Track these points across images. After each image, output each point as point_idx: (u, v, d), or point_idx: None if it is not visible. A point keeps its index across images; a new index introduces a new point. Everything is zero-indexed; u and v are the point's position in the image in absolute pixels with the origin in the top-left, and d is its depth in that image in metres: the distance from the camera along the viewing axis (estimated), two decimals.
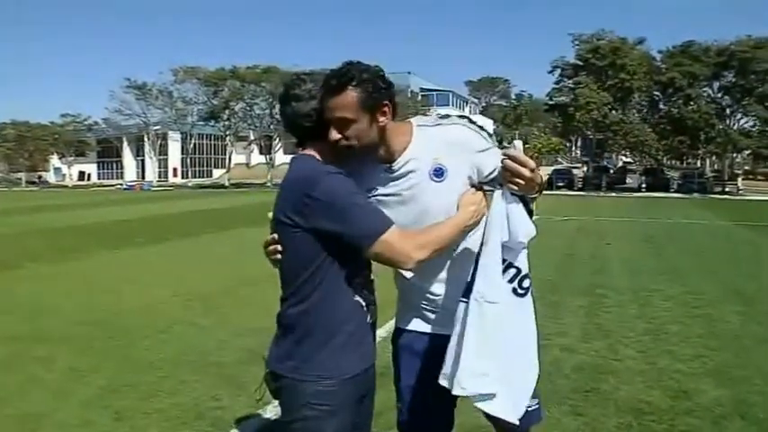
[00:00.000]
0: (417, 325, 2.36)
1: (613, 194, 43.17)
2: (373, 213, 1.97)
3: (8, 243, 14.65)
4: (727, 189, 46.01)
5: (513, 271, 2.04)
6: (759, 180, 57.38)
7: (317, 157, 2.06)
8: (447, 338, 2.09)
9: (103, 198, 39.26)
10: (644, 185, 47.59)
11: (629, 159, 56.16)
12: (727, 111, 52.49)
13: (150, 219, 22.13)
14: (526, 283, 2.06)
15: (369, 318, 2.13)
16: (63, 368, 5.20)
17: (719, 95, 52.63)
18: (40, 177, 71.90)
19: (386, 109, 2.04)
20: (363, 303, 2.09)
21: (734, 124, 52.95)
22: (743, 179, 51.07)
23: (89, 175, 79.30)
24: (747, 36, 49.49)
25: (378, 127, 2.04)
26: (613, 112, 52.01)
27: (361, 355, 2.12)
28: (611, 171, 57.84)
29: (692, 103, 51.35)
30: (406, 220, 2.07)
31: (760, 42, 48.33)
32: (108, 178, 77.17)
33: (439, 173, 2.11)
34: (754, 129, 52.61)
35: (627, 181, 53.21)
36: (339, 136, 2.01)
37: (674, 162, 67.23)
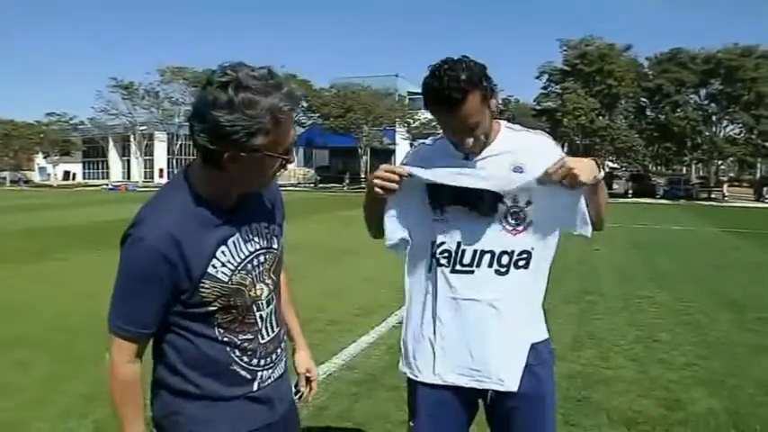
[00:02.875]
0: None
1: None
2: (126, 312, 1.61)
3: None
4: (712, 195, 46.24)
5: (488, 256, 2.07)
6: (744, 187, 57.72)
7: (195, 187, 1.63)
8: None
9: (88, 198, 38.85)
10: (630, 191, 47.71)
11: (615, 165, 56.29)
12: (714, 118, 52.84)
13: None
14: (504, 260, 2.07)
15: None
16: (41, 374, 5.03)
17: (706, 103, 52.99)
18: (25, 180, 71.10)
19: (495, 94, 2.01)
20: None
21: (720, 131, 53.31)
22: (728, 186, 51.32)
23: (74, 174, 78.68)
24: (734, 44, 49.88)
25: (491, 113, 2.02)
26: (600, 117, 52.20)
27: None
28: None
29: (678, 109, 51.69)
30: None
31: (747, 50, 48.70)
32: (93, 178, 76.57)
33: (519, 171, 2.07)
34: (739, 136, 52.98)
35: (613, 186, 53.36)
36: (473, 140, 1.99)
37: (660, 168, 67.54)
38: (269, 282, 1.77)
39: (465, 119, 1.93)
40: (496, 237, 2.05)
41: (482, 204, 2.02)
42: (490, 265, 2.07)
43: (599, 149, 53.44)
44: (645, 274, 10.65)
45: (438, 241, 2.10)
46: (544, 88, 55.85)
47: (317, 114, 57.13)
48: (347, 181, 53.93)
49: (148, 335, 1.66)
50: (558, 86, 53.87)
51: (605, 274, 10.47)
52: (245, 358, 1.73)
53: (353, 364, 5.36)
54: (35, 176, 76.22)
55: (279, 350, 1.85)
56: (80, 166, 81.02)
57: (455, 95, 1.89)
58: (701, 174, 61.30)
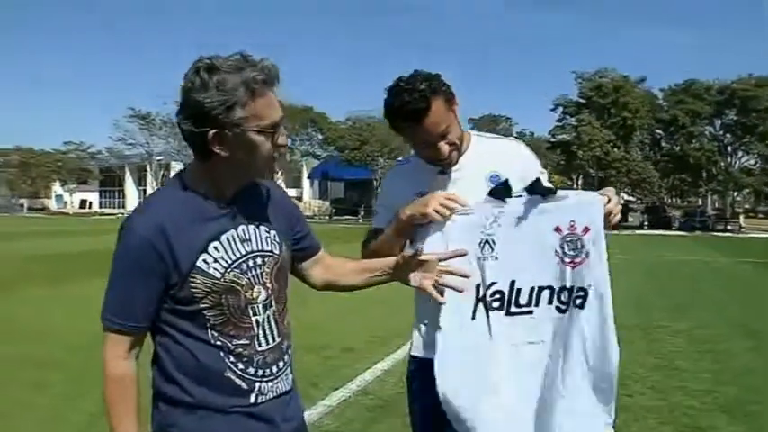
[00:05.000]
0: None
1: (615, 232, 42.89)
2: (116, 303, 1.60)
3: (7, 266, 14.50)
4: (729, 227, 45.82)
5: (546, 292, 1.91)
6: (760, 218, 57.29)
7: (190, 183, 1.64)
8: None
9: (105, 226, 39.12)
10: (646, 223, 47.41)
11: (630, 198, 56.04)
12: (729, 149, 52.66)
13: None
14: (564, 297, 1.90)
15: None
16: (55, 393, 5.06)
17: (721, 133, 52.87)
18: (41, 207, 71.80)
19: (455, 100, 2.02)
20: None
21: (735, 162, 53.08)
22: (744, 217, 50.93)
23: (91, 203, 79.21)
24: (749, 75, 49.90)
25: (457, 119, 2.02)
26: (616, 149, 52.13)
27: None
28: None
29: (694, 141, 51.64)
30: None
31: (761, 81, 48.72)
32: (110, 207, 77.06)
33: (495, 180, 2.05)
34: (755, 167, 52.72)
35: (628, 219, 53.09)
36: (449, 147, 1.99)
37: (675, 200, 67.22)
38: (269, 286, 1.69)
39: (434, 127, 1.95)
40: (553, 269, 1.91)
41: (538, 185, 1.91)
42: (550, 302, 1.91)
43: (614, 182, 53.31)
44: (662, 303, 10.55)
45: (488, 281, 1.94)
46: (559, 121, 55.96)
47: (333, 147, 57.39)
48: (362, 213, 53.94)
49: (140, 329, 1.61)
50: (572, 119, 53.96)
51: (622, 303, 10.26)
52: (240, 365, 1.64)
53: (368, 390, 5.34)
54: (52, 204, 76.87)
55: (281, 363, 1.73)
56: (96, 194, 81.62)
57: (420, 105, 1.91)
58: (716, 206, 60.95)
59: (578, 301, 1.88)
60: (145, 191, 74.58)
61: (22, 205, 70.31)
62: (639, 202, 56.07)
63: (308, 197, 60.85)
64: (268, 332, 1.69)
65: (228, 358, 1.63)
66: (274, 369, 1.70)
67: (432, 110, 1.92)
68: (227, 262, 1.61)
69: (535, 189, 1.90)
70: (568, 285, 1.88)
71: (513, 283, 1.92)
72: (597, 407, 1.86)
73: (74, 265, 14.80)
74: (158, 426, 1.67)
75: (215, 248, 1.60)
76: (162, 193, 1.70)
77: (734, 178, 51.40)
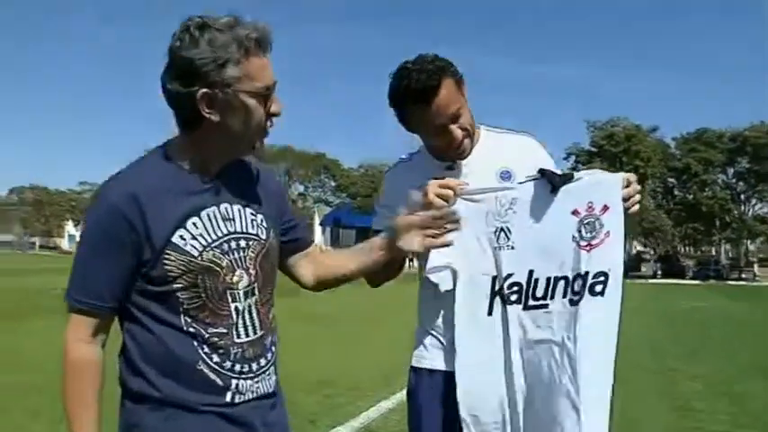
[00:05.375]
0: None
1: (628, 281, 42.60)
2: (81, 280, 1.47)
3: (17, 300, 14.61)
4: (743, 275, 45.38)
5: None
6: None
7: (172, 155, 1.50)
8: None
9: None
10: (659, 272, 47.00)
11: (642, 249, 55.75)
12: (742, 197, 52.49)
13: None
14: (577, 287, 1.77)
15: None
16: (49, 419, 4.95)
17: (734, 181, 52.77)
18: (55, 246, 72.24)
19: (465, 85, 1.92)
20: None
21: (749, 210, 52.85)
22: (759, 266, 50.40)
23: None
24: (761, 122, 49.96)
25: (467, 105, 1.92)
26: None
27: None
28: (625, 259, 57.22)
29: (706, 189, 51.52)
30: None
31: None
32: None
33: (506, 176, 1.95)
34: None
35: (641, 269, 52.65)
36: (462, 131, 1.88)
37: (688, 249, 66.81)
38: (252, 272, 1.51)
39: (445, 107, 1.83)
40: (569, 256, 1.79)
41: (553, 175, 1.81)
42: (564, 295, 1.79)
43: (627, 230, 53.03)
44: (676, 347, 10.43)
45: (505, 273, 1.83)
46: (571, 169, 56.00)
47: (345, 194, 57.68)
48: None
49: (105, 309, 1.45)
50: (585, 167, 53.96)
51: (636, 348, 10.13)
52: (216, 357, 1.46)
53: (371, 427, 5.25)
54: (64, 243, 77.30)
55: (263, 360, 1.54)
56: None
57: (430, 83, 1.80)
58: (730, 255, 60.50)
59: (598, 288, 1.75)
60: None
61: (33, 243, 70.83)
62: (653, 252, 55.73)
63: (319, 244, 60.85)
64: (248, 323, 1.51)
65: (202, 348, 1.45)
66: (254, 366, 1.52)
67: (442, 88, 1.81)
68: (206, 240, 1.45)
69: (552, 180, 1.79)
70: (583, 271, 1.76)
71: (531, 273, 1.80)
72: (599, 401, 1.76)
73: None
74: (122, 426, 1.49)
75: (194, 224, 1.44)
76: (139, 162, 1.52)
77: (748, 226, 51.12)
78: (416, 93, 1.81)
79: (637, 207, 1.81)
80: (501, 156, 1.99)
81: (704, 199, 50.68)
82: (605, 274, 1.75)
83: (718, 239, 56.32)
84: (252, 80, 1.41)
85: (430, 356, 1.98)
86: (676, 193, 55.96)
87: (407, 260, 1.91)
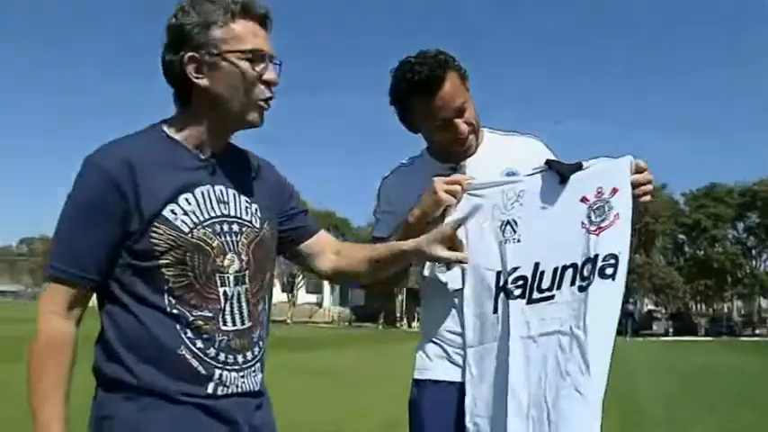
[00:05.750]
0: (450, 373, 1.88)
1: (639, 339, 42.12)
2: (63, 248, 1.38)
3: (21, 342, 14.45)
4: (756, 331, 44.75)
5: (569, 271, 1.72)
6: None
7: (169, 129, 1.46)
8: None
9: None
10: (671, 330, 46.39)
11: (654, 307, 55.05)
12: (753, 251, 52.11)
13: None
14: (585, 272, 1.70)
15: None
16: None
17: (744, 236, 52.48)
18: None
19: (468, 80, 1.87)
20: None
21: (760, 265, 52.41)
22: None
23: None
24: None
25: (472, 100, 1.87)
26: (638, 255, 51.72)
27: None
28: (636, 317, 56.50)
29: (717, 244, 51.19)
30: None
31: None
32: None
33: (512, 176, 1.87)
34: None
35: (653, 327, 51.89)
36: (467, 126, 1.82)
37: (700, 306, 65.99)
38: (244, 258, 1.44)
39: (450, 100, 1.78)
40: (579, 242, 1.72)
41: (561, 165, 1.76)
42: (573, 283, 1.71)
43: (637, 288, 52.68)
44: (689, 400, 10.24)
45: (510, 267, 1.77)
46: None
47: None
48: (382, 320, 53.50)
49: (86, 281, 1.36)
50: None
51: (650, 401, 10.04)
52: (199, 343, 1.37)
53: None
54: None
55: (249, 354, 1.45)
56: None
57: (435, 74, 1.75)
58: (742, 312, 59.73)
59: (609, 270, 1.67)
60: None
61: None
62: (664, 310, 55.04)
63: (327, 303, 60.52)
64: (236, 311, 1.43)
65: (186, 332, 1.36)
66: (240, 358, 1.43)
67: (447, 80, 1.76)
68: (197, 218, 1.39)
69: (561, 170, 1.74)
70: (592, 255, 1.68)
71: (537, 265, 1.74)
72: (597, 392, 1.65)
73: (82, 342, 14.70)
74: (93, 419, 1.38)
75: (186, 200, 1.38)
76: (135, 134, 1.46)
77: (760, 281, 50.54)
78: (420, 84, 1.76)
79: (648, 197, 1.72)
80: (506, 156, 1.93)
81: (715, 254, 50.33)
82: (615, 257, 1.67)
83: (730, 295, 55.67)
84: (239, 41, 1.40)
85: (434, 367, 1.90)
86: (686, 249, 55.62)
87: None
